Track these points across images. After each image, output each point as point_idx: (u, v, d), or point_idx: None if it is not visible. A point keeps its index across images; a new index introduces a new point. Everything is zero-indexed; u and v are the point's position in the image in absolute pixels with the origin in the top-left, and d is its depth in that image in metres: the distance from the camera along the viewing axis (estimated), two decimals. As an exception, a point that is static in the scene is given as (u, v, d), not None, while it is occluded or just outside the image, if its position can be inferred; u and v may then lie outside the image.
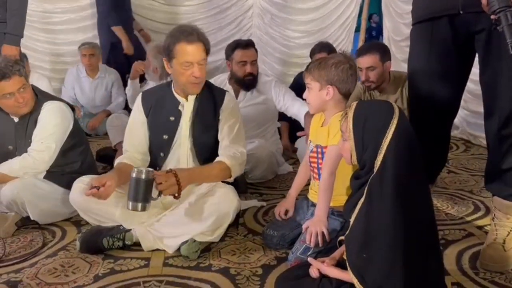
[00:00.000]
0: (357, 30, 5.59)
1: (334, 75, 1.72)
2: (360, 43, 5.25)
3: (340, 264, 1.42)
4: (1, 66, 2.09)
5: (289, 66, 5.36)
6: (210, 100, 2.06)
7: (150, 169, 1.75)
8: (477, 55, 1.86)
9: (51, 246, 1.97)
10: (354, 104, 1.41)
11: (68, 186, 2.05)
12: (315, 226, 1.70)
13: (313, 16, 5.38)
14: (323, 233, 1.68)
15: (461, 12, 1.74)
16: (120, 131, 3.33)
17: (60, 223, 2.20)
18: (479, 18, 1.67)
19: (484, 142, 3.49)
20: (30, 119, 2.21)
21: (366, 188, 1.34)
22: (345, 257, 1.37)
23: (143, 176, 1.70)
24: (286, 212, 2.00)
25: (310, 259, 1.44)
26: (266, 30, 5.45)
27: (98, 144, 3.72)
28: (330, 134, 1.73)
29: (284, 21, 5.40)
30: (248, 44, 2.89)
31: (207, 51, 1.98)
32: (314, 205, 1.85)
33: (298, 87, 3.60)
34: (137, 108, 2.11)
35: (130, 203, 1.71)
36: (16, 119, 2.23)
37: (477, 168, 3.00)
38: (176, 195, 1.79)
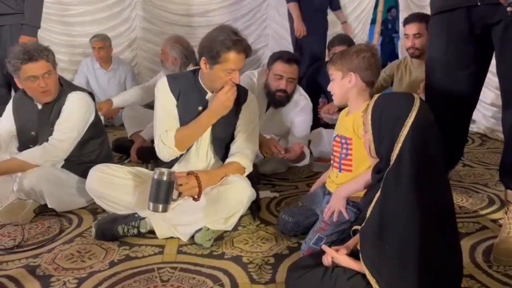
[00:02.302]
0: (373, 22, 5.54)
1: (356, 63, 1.74)
2: (376, 35, 5.21)
3: (354, 254, 1.42)
4: (30, 49, 2.13)
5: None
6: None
7: (172, 170, 1.79)
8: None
9: (68, 233, 2.01)
10: (376, 96, 1.42)
11: (84, 175, 2.08)
12: (335, 203, 1.72)
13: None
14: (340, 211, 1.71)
15: (479, 3, 1.72)
16: (135, 122, 3.37)
17: (77, 211, 2.24)
18: (497, 9, 1.65)
19: (500, 136, 3.46)
20: (54, 108, 2.23)
21: (382, 181, 1.33)
22: (358, 247, 1.38)
23: (164, 178, 1.73)
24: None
25: (324, 247, 1.44)
26: (281, 22, 5.41)
27: (114, 135, 3.76)
28: (355, 126, 1.74)
29: (299, 13, 5.35)
30: (291, 59, 2.69)
31: (247, 56, 2.00)
32: (330, 193, 1.86)
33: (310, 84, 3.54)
34: (164, 92, 2.04)
35: (151, 204, 1.75)
36: (39, 106, 2.27)
37: (492, 162, 2.97)
38: (196, 197, 1.83)
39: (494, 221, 2.05)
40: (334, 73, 1.80)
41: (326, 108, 2.97)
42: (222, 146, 2.09)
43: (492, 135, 3.65)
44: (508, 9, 1.46)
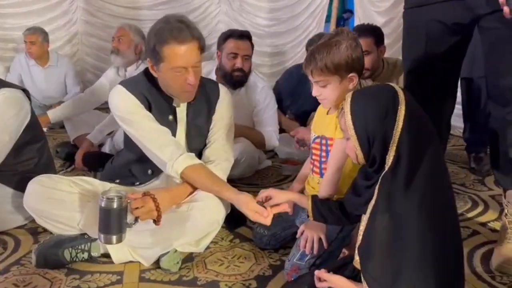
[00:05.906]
0: (328, 20, 5.49)
1: (353, 59, 1.45)
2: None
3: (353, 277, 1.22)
4: None
5: (259, 55, 5.14)
6: (204, 99, 1.80)
7: (123, 193, 1.48)
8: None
9: (2, 260, 1.69)
10: (350, 94, 1.21)
11: (21, 187, 1.79)
12: (311, 231, 1.51)
13: (283, 3, 5.21)
14: (320, 239, 1.50)
15: None
16: (78, 125, 3.06)
17: (13, 231, 1.91)
18: (487, 1, 1.55)
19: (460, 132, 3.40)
20: None
21: (377, 188, 1.15)
22: (358, 266, 1.18)
23: (114, 205, 1.44)
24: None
25: (317, 272, 1.24)
26: (234, 17, 5.23)
27: (54, 139, 3.41)
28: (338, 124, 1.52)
29: (253, 8, 5.21)
30: (243, 35, 2.54)
31: (203, 49, 1.65)
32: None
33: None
34: (134, 107, 1.68)
35: (102, 236, 1.46)
36: None
37: (463, 160, 2.92)
38: (156, 220, 1.53)
39: (483, 224, 1.96)
40: (328, 78, 1.47)
41: (300, 137, 2.33)
42: (198, 155, 1.80)
43: (453, 131, 3.61)
44: (505, 8, 1.39)
